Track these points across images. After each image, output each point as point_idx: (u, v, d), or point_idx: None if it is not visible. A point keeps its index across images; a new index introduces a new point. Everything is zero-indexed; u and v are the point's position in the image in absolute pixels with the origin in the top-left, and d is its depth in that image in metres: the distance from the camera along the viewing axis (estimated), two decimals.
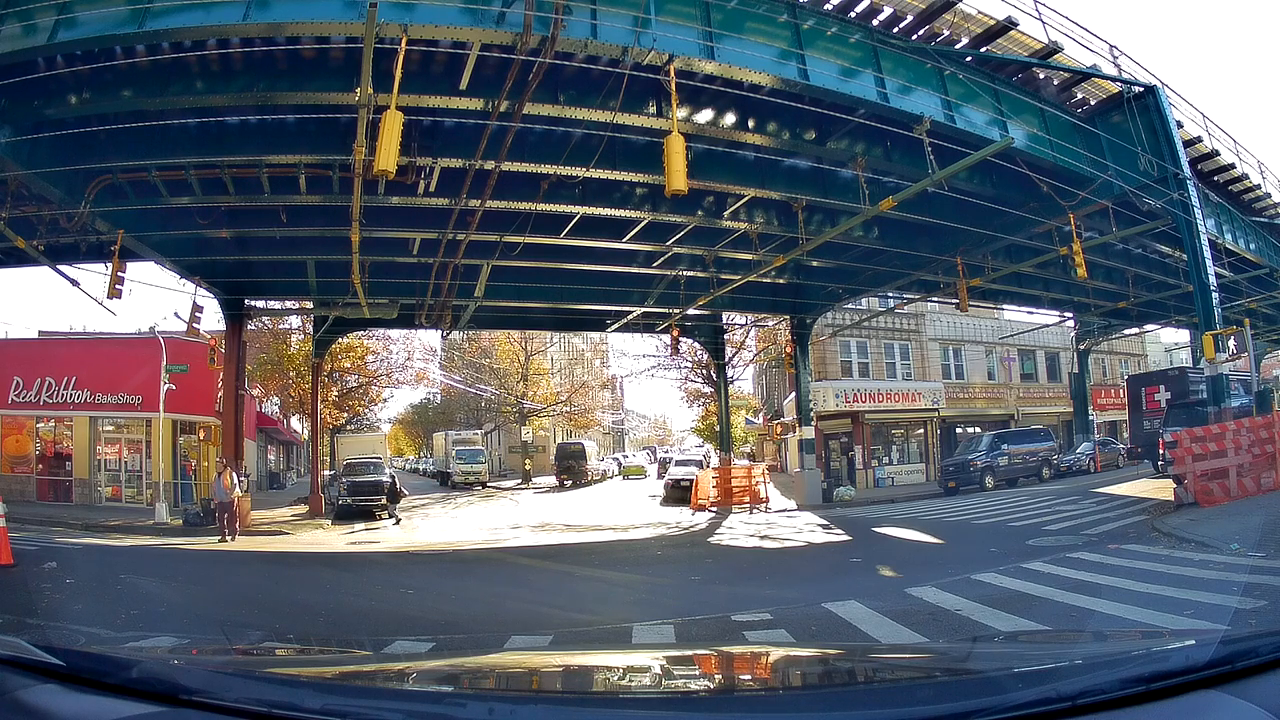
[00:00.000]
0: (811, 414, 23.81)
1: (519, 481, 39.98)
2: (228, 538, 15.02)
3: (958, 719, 1.28)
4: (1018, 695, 1.30)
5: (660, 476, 34.75)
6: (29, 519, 16.06)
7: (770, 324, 29.76)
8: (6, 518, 10.70)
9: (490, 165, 12.34)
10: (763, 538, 14.47)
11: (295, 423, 42.40)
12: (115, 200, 13.32)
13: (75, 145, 11.72)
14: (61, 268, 15.58)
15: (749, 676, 2.17)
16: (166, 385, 19.01)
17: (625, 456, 55.61)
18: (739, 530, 15.96)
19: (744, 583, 9.68)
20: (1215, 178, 16.81)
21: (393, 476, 20.76)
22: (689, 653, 3.28)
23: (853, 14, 11.50)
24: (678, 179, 9.08)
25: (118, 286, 13.72)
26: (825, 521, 16.77)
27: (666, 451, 53.70)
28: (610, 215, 15.25)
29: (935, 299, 23.67)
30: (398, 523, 19.07)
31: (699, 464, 29.53)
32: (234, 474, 15.94)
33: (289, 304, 26.20)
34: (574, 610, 8.13)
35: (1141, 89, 13.44)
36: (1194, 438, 12.40)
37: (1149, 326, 31.73)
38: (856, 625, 6.25)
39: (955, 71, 12.16)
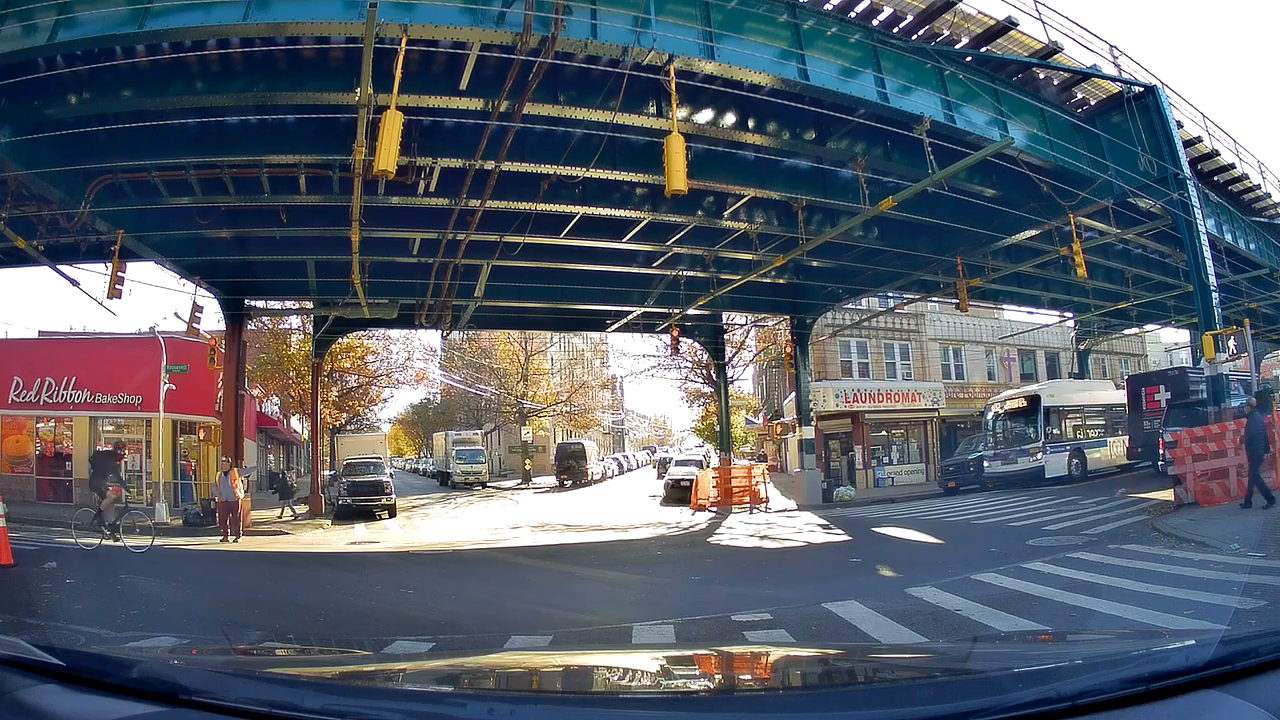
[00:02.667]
0: (811, 414, 23.80)
1: (519, 481, 39.99)
2: (230, 537, 15.03)
3: (958, 719, 1.28)
4: (1018, 695, 1.30)
5: (660, 476, 34.76)
6: (29, 519, 16.06)
7: (770, 324, 29.75)
8: (6, 518, 10.71)
9: (490, 165, 12.34)
10: (763, 538, 14.46)
11: (295, 423, 42.38)
12: (115, 200, 13.32)
13: (75, 145, 11.72)
14: (61, 268, 15.57)
15: (749, 676, 2.17)
16: (166, 385, 19.00)
17: (644, 454, 55.93)
18: (739, 530, 15.95)
19: (744, 583, 9.68)
20: (1215, 178, 16.81)
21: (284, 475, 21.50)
22: (689, 653, 3.28)
23: (853, 14, 11.50)
24: (678, 179, 9.08)
25: (118, 286, 13.72)
26: (825, 521, 16.77)
27: (666, 451, 53.74)
28: (610, 215, 15.25)
29: (935, 299, 23.67)
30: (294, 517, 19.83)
31: (699, 464, 29.54)
32: (240, 474, 15.94)
33: (289, 304, 26.22)
34: (574, 610, 8.13)
35: (1141, 89, 13.44)
36: (1194, 438, 12.40)
37: (1149, 326, 31.72)
38: (856, 625, 6.25)
39: (955, 71, 12.16)
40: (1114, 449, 23.09)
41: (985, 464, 22.55)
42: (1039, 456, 21.33)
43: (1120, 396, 24.92)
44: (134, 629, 6.60)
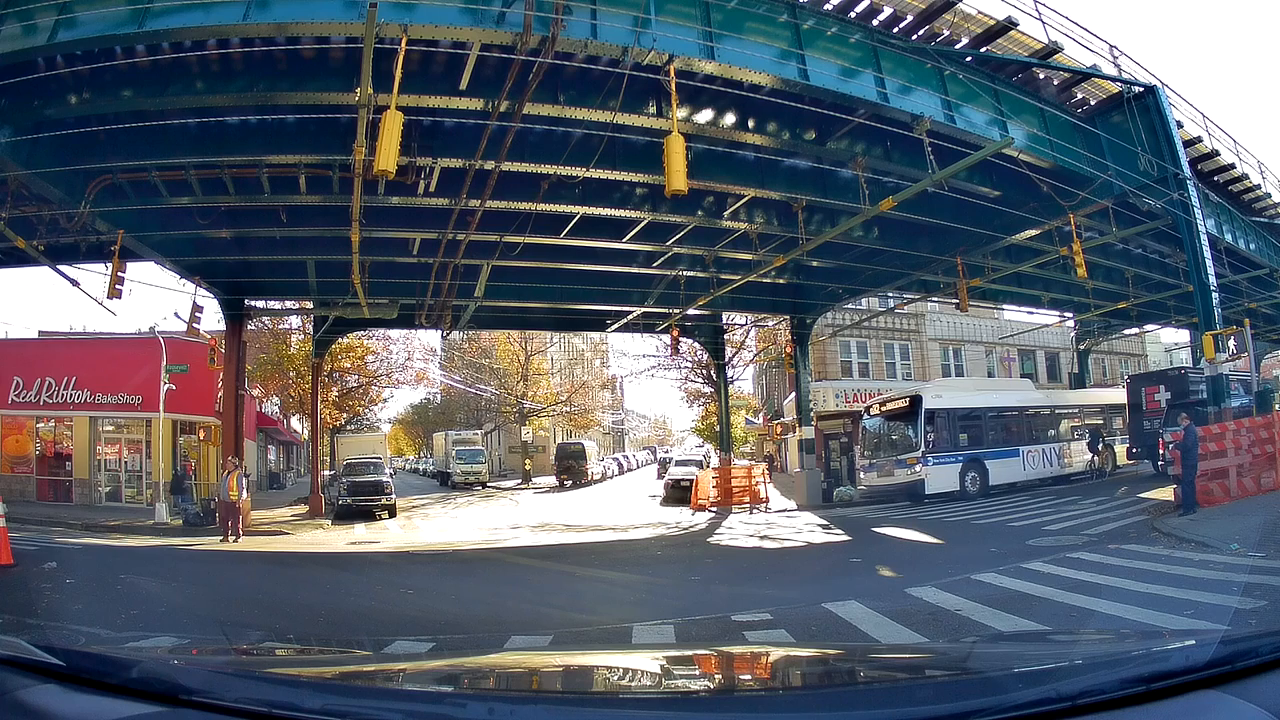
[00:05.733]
0: (811, 414, 23.80)
1: (519, 481, 39.98)
2: (230, 538, 15.04)
3: (958, 719, 1.28)
4: (1018, 695, 1.30)
5: (660, 476, 34.76)
6: (29, 519, 16.08)
7: (770, 324, 29.75)
8: (6, 518, 10.71)
9: (490, 165, 12.34)
10: (762, 538, 14.46)
11: (295, 423, 42.38)
12: (115, 200, 13.32)
13: (75, 145, 11.72)
14: (61, 268, 15.57)
15: (749, 676, 2.17)
16: (166, 385, 19.02)
17: (644, 454, 56.19)
18: (739, 530, 15.95)
19: (744, 583, 9.68)
20: (1215, 178, 16.81)
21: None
22: (689, 653, 3.28)
23: (853, 14, 11.51)
24: (678, 179, 9.08)
25: (118, 286, 13.72)
26: (825, 521, 16.76)
27: (666, 451, 53.70)
28: (610, 215, 15.25)
29: (935, 299, 23.67)
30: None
31: (699, 464, 29.54)
32: (240, 476, 15.96)
33: (289, 304, 26.21)
34: (574, 610, 8.13)
35: (1141, 89, 13.44)
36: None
37: (1149, 326, 31.73)
38: (856, 625, 6.25)
39: (955, 71, 12.17)
40: (1029, 460, 20.66)
41: (860, 475, 20.61)
42: (918, 468, 18.61)
43: (1039, 398, 22.99)
44: (134, 629, 6.59)
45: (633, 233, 16.10)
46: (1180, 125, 14.00)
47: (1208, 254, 13.69)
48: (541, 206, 14.22)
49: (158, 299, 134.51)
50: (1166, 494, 13.16)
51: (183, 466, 20.10)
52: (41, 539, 13.45)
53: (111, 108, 11.03)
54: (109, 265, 13.93)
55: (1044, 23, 12.15)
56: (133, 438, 22.34)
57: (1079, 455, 22.06)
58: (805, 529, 15.68)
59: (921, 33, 11.79)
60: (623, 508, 23.71)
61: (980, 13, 11.72)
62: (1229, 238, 17.29)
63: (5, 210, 12.96)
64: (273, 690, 1.47)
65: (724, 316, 26.92)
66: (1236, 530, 9.34)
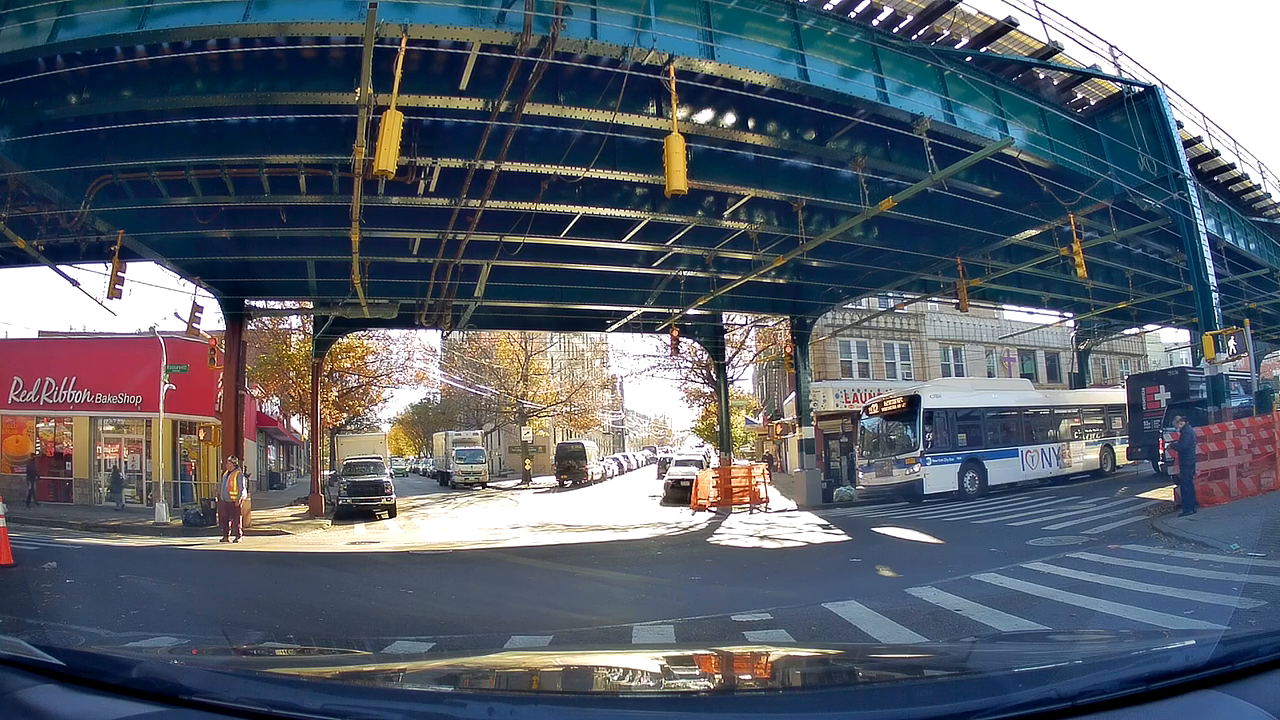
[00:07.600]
0: (811, 414, 23.79)
1: (519, 481, 39.97)
2: (230, 538, 15.05)
3: (958, 719, 1.28)
4: (1018, 695, 1.31)
5: (660, 476, 34.75)
6: (29, 519, 16.09)
7: (770, 324, 29.74)
8: (6, 518, 10.72)
9: (490, 165, 12.34)
10: (762, 538, 14.46)
11: (295, 423, 42.37)
12: (115, 200, 13.32)
13: (75, 145, 11.72)
14: (61, 268, 15.57)
15: (749, 676, 2.17)
16: (166, 385, 19.03)
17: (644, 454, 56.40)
18: (739, 530, 15.95)
19: (744, 583, 9.68)
20: (1215, 178, 16.81)
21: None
22: (689, 653, 3.28)
23: (853, 14, 11.51)
24: (678, 179, 9.09)
25: (118, 286, 13.72)
26: (825, 521, 16.75)
27: (666, 451, 53.68)
28: (610, 215, 15.25)
29: (935, 299, 23.66)
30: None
31: (699, 464, 29.52)
32: (240, 476, 15.96)
33: (289, 304, 26.21)
34: (574, 610, 8.14)
35: (1141, 89, 13.45)
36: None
37: (1149, 326, 31.74)
38: (856, 625, 6.25)
39: (955, 71, 12.17)
40: (1029, 460, 20.62)
41: (859, 475, 20.66)
42: (916, 468, 18.48)
43: (1037, 398, 22.86)
44: (134, 629, 6.60)
45: (633, 233, 16.10)
46: (1180, 125, 14.00)
47: (1208, 254, 13.69)
48: (541, 206, 14.22)
49: (158, 299, 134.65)
50: (1166, 494, 13.17)
51: (118, 465, 20.14)
52: (41, 539, 13.45)
53: (111, 108, 11.04)
54: (109, 265, 13.93)
55: (1044, 23, 12.17)
56: (133, 438, 22.35)
57: (1079, 455, 22.08)
58: (805, 529, 15.68)
59: (921, 33, 11.79)
60: (623, 508, 23.70)
61: (980, 13, 11.72)
62: (1229, 238, 17.29)
63: (5, 210, 12.97)
64: (273, 690, 1.47)
65: (724, 316, 26.91)
66: (1236, 530, 9.34)
